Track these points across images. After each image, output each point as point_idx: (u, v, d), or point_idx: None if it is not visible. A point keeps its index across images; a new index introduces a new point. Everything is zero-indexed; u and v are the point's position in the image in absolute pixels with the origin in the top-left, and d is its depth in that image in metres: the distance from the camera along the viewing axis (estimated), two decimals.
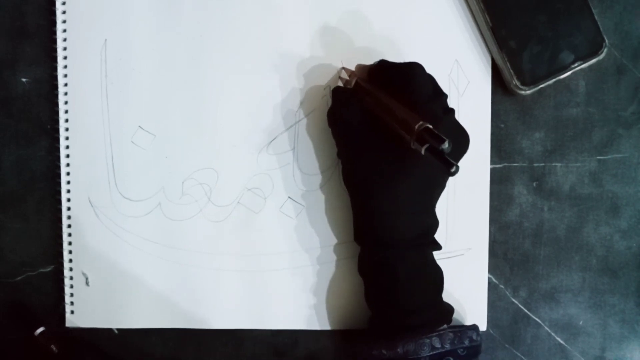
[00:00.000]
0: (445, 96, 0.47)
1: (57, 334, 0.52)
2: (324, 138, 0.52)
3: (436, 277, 0.48)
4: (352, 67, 0.50)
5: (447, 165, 0.39)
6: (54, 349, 0.51)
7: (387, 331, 0.46)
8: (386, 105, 0.45)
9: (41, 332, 0.51)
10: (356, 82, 0.49)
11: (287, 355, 0.53)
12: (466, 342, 0.46)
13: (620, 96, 0.52)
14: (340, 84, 0.51)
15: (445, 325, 0.47)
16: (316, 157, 0.52)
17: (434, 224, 0.48)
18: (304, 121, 0.52)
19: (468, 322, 0.52)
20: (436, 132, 0.41)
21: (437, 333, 0.45)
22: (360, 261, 0.49)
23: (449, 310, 0.48)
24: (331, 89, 0.50)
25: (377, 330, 0.47)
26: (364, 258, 0.48)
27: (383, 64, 0.48)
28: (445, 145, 0.40)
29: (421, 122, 0.41)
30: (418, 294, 0.46)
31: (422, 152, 0.41)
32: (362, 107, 0.47)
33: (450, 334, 0.46)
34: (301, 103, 0.52)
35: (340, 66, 0.51)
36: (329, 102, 0.52)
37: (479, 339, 0.47)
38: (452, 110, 0.47)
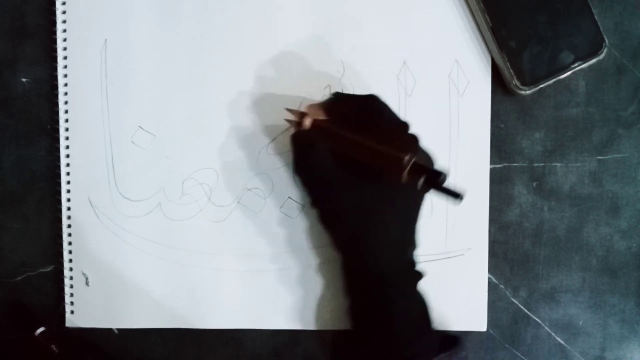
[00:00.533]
0: (408, 125, 0.46)
1: (57, 334, 0.52)
2: None
3: (425, 306, 0.48)
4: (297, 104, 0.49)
5: (454, 196, 0.39)
6: (54, 349, 0.51)
7: None
8: (359, 143, 0.43)
9: (41, 332, 0.51)
10: (313, 123, 0.46)
11: (287, 355, 0.53)
12: None
13: (620, 96, 0.52)
14: (291, 126, 0.48)
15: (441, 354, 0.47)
16: None
17: (415, 249, 0.48)
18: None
19: (468, 323, 0.52)
20: (425, 166, 0.40)
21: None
22: (353, 305, 0.48)
23: (438, 337, 0.48)
24: (291, 135, 0.47)
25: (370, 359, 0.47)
26: (357, 300, 0.48)
27: (340, 97, 0.47)
28: (442, 175, 0.39)
29: (409, 156, 0.40)
30: (411, 325, 0.46)
31: (418, 186, 0.40)
32: (329, 149, 0.45)
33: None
34: (301, 103, 0.52)
35: (285, 108, 0.48)
36: None
37: (464, 354, 0.48)
38: (419, 138, 0.46)
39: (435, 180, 0.40)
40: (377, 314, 0.47)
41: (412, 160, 0.40)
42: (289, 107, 0.48)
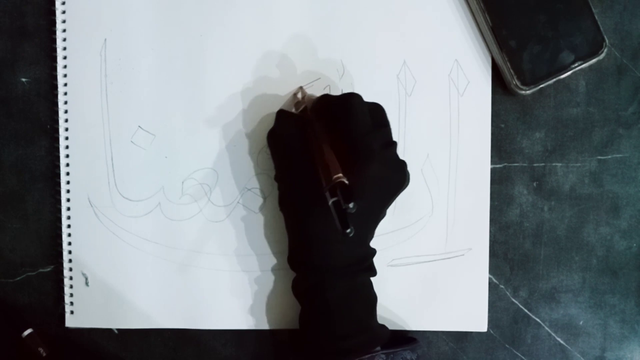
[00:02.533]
0: (387, 129, 0.47)
1: (46, 335, 0.52)
2: None
3: (368, 302, 0.48)
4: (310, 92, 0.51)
5: (342, 226, 0.40)
6: (42, 352, 0.50)
7: (319, 356, 0.46)
8: (318, 144, 0.44)
9: (29, 334, 0.51)
10: (304, 109, 0.49)
11: (287, 356, 0.53)
12: None
13: (621, 96, 0.52)
14: (292, 103, 0.51)
15: (378, 348, 0.46)
16: None
17: (368, 253, 0.48)
18: None
19: (469, 323, 0.52)
20: (349, 191, 0.40)
21: (368, 356, 0.45)
22: (294, 285, 0.49)
23: (381, 333, 0.48)
24: (280, 108, 0.50)
25: (310, 355, 0.47)
26: (296, 282, 0.48)
27: (323, 98, 0.48)
28: (350, 206, 0.39)
29: (339, 175, 0.41)
30: (348, 320, 0.46)
31: (329, 203, 0.41)
32: (303, 135, 0.46)
33: (382, 356, 0.46)
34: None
35: (298, 86, 0.51)
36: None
37: (414, 356, 0.47)
38: (393, 144, 0.47)
39: (340, 205, 0.40)
40: (312, 303, 0.47)
41: (337, 181, 0.41)
42: (300, 87, 0.51)
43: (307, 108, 0.49)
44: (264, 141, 0.52)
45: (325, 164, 0.42)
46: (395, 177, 0.47)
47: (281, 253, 0.52)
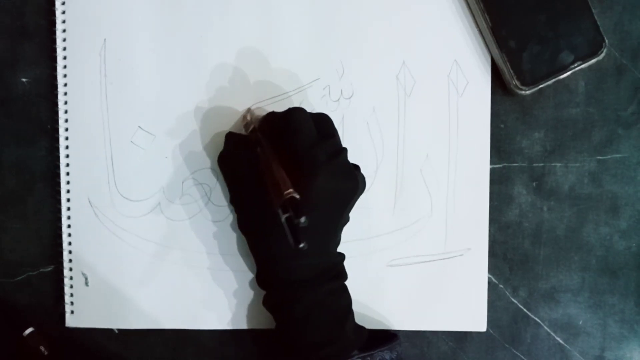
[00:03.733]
0: (334, 138, 0.47)
1: (48, 335, 0.52)
2: None
3: (338, 309, 0.48)
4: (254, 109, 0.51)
5: (295, 241, 0.40)
6: (44, 350, 0.50)
7: None
8: (267, 163, 0.44)
9: (30, 333, 0.51)
10: (253, 129, 0.49)
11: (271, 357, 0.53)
12: None
13: (620, 96, 0.53)
14: (241, 125, 0.51)
15: (355, 352, 0.46)
16: None
17: (334, 261, 0.48)
18: None
19: (468, 323, 0.52)
20: (299, 206, 0.40)
21: None
22: (264, 302, 0.49)
23: (357, 337, 0.48)
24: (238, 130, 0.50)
25: None
26: (266, 299, 0.49)
27: (267, 117, 0.49)
28: (302, 220, 0.40)
29: (290, 190, 0.41)
30: (318, 331, 0.46)
31: (282, 220, 0.41)
32: (252, 155, 0.46)
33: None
34: (300, 103, 0.52)
35: (247, 107, 0.51)
36: (328, 102, 0.52)
37: (394, 355, 0.48)
38: (340, 152, 0.46)
39: (292, 220, 0.40)
40: (282, 319, 0.47)
41: (288, 197, 0.41)
42: (248, 109, 0.51)
43: (256, 129, 0.49)
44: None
45: (275, 181, 0.42)
46: (345, 185, 0.46)
47: None
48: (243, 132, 0.50)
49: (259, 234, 0.47)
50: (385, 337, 0.50)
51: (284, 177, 0.42)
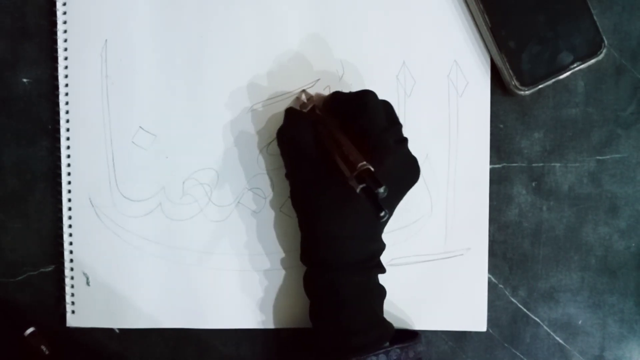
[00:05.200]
0: (399, 126, 0.48)
1: (49, 334, 0.52)
2: None
3: (379, 298, 0.48)
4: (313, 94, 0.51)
5: (376, 210, 0.39)
6: (45, 350, 0.50)
7: (333, 352, 0.46)
8: (335, 137, 0.44)
9: (31, 333, 0.51)
10: (312, 108, 0.49)
11: (287, 355, 0.53)
12: (411, 356, 0.46)
13: (619, 96, 0.53)
14: (296, 105, 0.51)
15: (387, 343, 0.47)
16: None
17: (379, 248, 0.48)
18: None
19: (468, 322, 0.52)
20: (375, 176, 0.40)
21: (383, 350, 0.45)
22: (306, 281, 0.48)
23: (390, 329, 0.48)
24: (286, 108, 0.50)
25: (323, 351, 0.47)
26: (309, 279, 0.48)
27: (335, 95, 0.49)
28: (381, 190, 0.39)
29: (364, 163, 0.41)
30: (361, 315, 0.46)
31: (357, 190, 0.40)
32: (313, 132, 0.46)
33: (397, 350, 0.46)
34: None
35: (301, 89, 0.51)
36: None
37: (423, 349, 0.48)
38: (405, 140, 0.47)
39: (371, 190, 0.40)
40: (324, 300, 0.47)
41: (363, 168, 0.41)
42: (303, 90, 0.51)
43: (315, 107, 0.49)
44: (265, 141, 0.52)
45: (345, 154, 0.42)
46: (409, 173, 0.47)
47: (281, 252, 0.53)
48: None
49: (312, 210, 0.46)
50: (408, 334, 0.50)
51: (354, 150, 0.43)
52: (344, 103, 0.48)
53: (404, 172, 0.47)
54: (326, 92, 0.52)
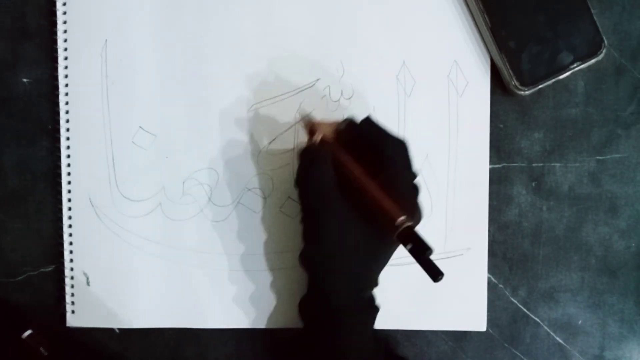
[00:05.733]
0: (415, 174, 0.45)
1: (47, 335, 0.51)
2: None
3: (376, 343, 0.47)
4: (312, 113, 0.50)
5: (434, 274, 0.38)
6: (43, 351, 0.50)
7: None
8: (363, 182, 0.42)
9: (29, 334, 0.50)
10: (322, 140, 0.45)
11: (287, 355, 0.53)
12: None
13: (619, 96, 0.53)
14: (302, 126, 0.48)
15: None
16: None
17: (375, 287, 0.47)
18: None
19: (468, 323, 0.52)
20: (421, 237, 0.39)
21: None
22: (303, 305, 0.47)
23: (381, 345, 0.48)
24: (299, 149, 0.46)
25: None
26: (308, 305, 0.47)
27: (365, 127, 0.45)
28: (429, 251, 0.38)
29: (403, 218, 0.39)
30: (358, 355, 0.45)
31: (407, 249, 0.39)
32: (332, 167, 0.43)
33: None
34: (301, 103, 0.52)
35: (300, 115, 0.50)
36: (328, 102, 0.52)
37: None
38: (419, 188, 0.45)
39: (422, 252, 0.39)
40: (325, 346, 0.45)
41: (405, 226, 0.39)
42: (305, 116, 0.47)
43: (325, 137, 0.45)
44: (265, 141, 0.52)
45: (383, 205, 0.40)
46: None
47: (281, 252, 0.53)
48: (308, 137, 0.47)
49: (326, 253, 0.44)
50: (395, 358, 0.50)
51: (391, 203, 0.40)
52: (374, 141, 0.44)
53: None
54: (326, 93, 0.52)
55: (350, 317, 0.45)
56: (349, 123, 0.46)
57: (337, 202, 0.43)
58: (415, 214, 0.43)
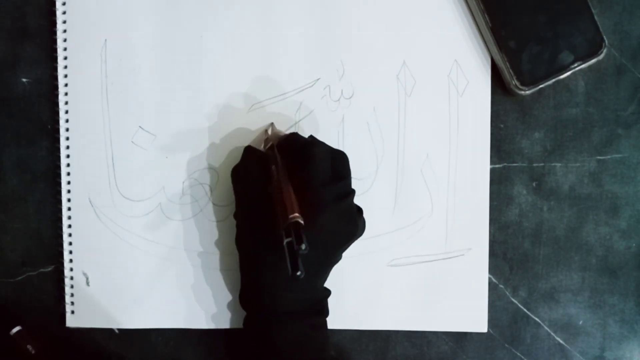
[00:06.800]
0: (345, 180, 0.47)
1: (51, 334, 0.52)
2: (324, 138, 0.52)
3: (317, 345, 0.48)
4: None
5: (292, 268, 0.39)
6: (31, 349, 0.50)
7: None
8: (278, 183, 0.44)
9: (17, 332, 0.50)
10: (271, 146, 0.48)
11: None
12: None
13: (620, 96, 0.53)
14: (262, 139, 0.51)
15: None
16: None
17: (319, 297, 0.48)
18: (305, 121, 0.52)
19: (469, 323, 0.52)
20: (301, 232, 0.40)
21: None
22: (245, 324, 0.49)
23: None
24: (263, 143, 0.49)
25: None
26: (247, 322, 0.49)
27: (290, 138, 0.48)
28: (302, 247, 0.39)
29: (296, 215, 0.41)
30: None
31: (284, 243, 0.40)
32: (266, 173, 0.46)
33: None
34: (301, 103, 0.52)
35: (269, 122, 0.51)
36: (328, 102, 0.52)
37: None
38: (349, 194, 0.47)
39: (292, 247, 0.40)
40: (260, 347, 0.47)
41: (293, 222, 0.41)
42: (269, 126, 0.51)
43: (274, 146, 0.48)
44: (265, 141, 0.52)
45: (283, 202, 0.42)
46: (345, 229, 0.46)
47: None
48: (262, 146, 0.50)
49: (256, 255, 0.47)
50: None
51: (292, 201, 0.42)
52: (295, 149, 0.47)
53: (341, 227, 0.46)
54: (326, 93, 0.52)
55: (283, 316, 0.46)
56: (294, 134, 0.48)
57: (265, 203, 0.45)
58: (321, 213, 0.44)
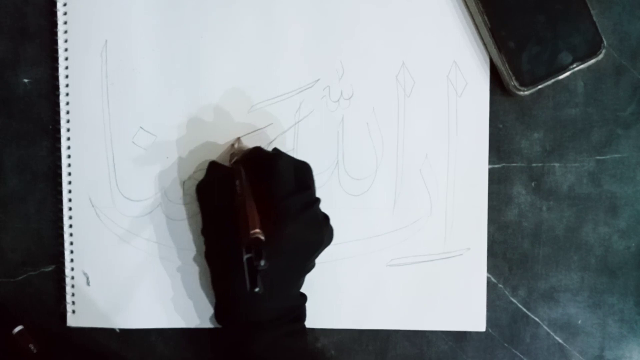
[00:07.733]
0: (309, 190, 0.47)
1: (38, 333, 0.51)
2: (324, 138, 0.52)
3: (295, 352, 0.48)
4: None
5: (251, 284, 0.40)
6: (32, 348, 0.50)
7: None
8: (242, 198, 0.44)
9: (19, 331, 0.50)
10: (235, 161, 0.49)
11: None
12: None
13: (619, 96, 0.53)
14: (228, 153, 0.51)
15: None
16: (316, 157, 0.52)
17: (295, 304, 0.48)
18: (304, 121, 0.52)
19: (467, 323, 0.52)
20: (260, 248, 0.40)
21: None
22: (217, 340, 0.50)
23: None
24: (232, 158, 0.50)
25: None
26: (221, 337, 0.49)
27: (253, 152, 0.48)
28: (261, 263, 0.40)
29: (257, 231, 0.41)
30: None
31: (244, 259, 0.41)
32: (230, 190, 0.46)
33: None
34: (301, 103, 0.52)
35: (236, 136, 0.51)
36: (328, 102, 0.52)
37: None
38: (314, 203, 0.47)
39: (251, 262, 0.40)
40: (239, 354, 0.47)
41: (254, 237, 0.41)
42: (238, 138, 0.51)
43: (238, 160, 0.49)
44: (264, 141, 0.52)
45: (245, 218, 0.42)
46: (312, 237, 0.47)
47: None
48: (228, 161, 0.50)
49: (223, 269, 0.47)
50: None
51: (254, 216, 0.42)
52: (259, 162, 0.47)
53: (307, 237, 0.46)
54: (325, 94, 0.52)
55: (259, 325, 0.46)
56: (257, 148, 0.49)
57: (231, 217, 0.45)
58: (285, 224, 0.44)
